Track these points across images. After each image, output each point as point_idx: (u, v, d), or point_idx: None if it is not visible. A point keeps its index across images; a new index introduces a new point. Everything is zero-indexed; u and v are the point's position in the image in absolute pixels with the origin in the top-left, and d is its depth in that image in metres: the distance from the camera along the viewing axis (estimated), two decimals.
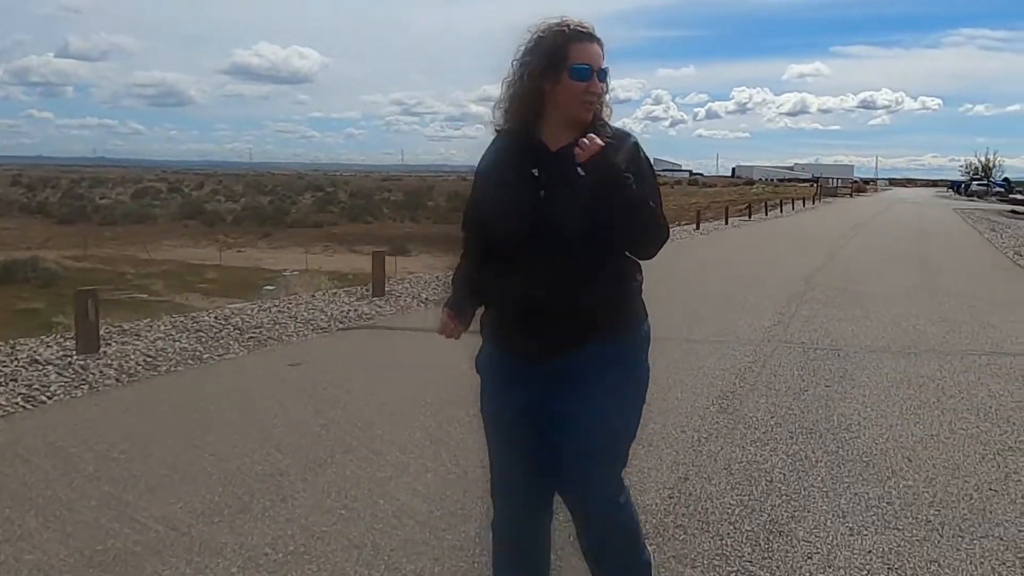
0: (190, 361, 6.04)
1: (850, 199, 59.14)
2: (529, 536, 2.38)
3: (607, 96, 2.19)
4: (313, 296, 8.96)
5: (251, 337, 6.86)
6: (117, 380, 5.50)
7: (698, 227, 22.36)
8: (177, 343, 6.48)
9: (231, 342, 6.67)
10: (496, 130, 2.24)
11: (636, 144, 2.18)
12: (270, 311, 7.92)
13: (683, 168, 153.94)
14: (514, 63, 2.19)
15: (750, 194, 59.61)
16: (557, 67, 2.10)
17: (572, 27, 2.13)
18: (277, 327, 7.27)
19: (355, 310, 8.24)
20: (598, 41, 2.15)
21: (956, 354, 6.54)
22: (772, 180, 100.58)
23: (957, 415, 4.87)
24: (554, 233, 2.09)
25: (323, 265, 37.31)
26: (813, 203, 45.78)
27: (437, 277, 10.92)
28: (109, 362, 5.84)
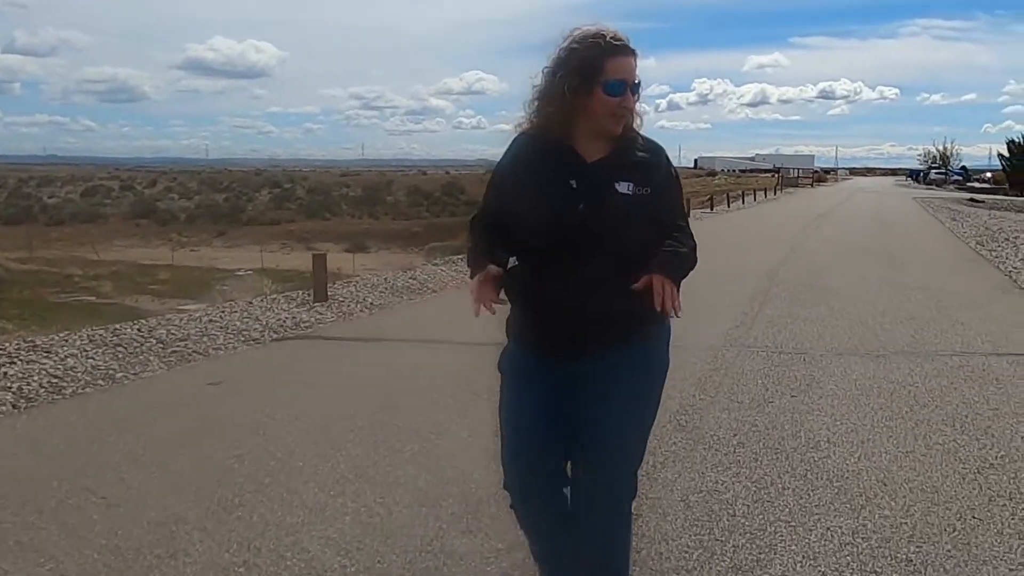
0: (101, 381, 5.49)
1: (811, 189, 59.53)
2: (546, 503, 2.32)
3: (639, 106, 2.20)
4: (250, 303, 8.40)
5: (174, 351, 6.31)
6: (14, 406, 4.94)
7: None
8: (91, 360, 5.91)
9: (151, 357, 6.12)
10: (519, 131, 2.25)
11: (668, 159, 2.26)
12: (200, 320, 7.36)
13: None
14: (545, 70, 2.19)
15: (712, 185, 59.77)
16: (590, 81, 2.11)
17: (608, 40, 2.12)
18: (205, 339, 6.72)
19: (293, 318, 7.71)
20: (633, 53, 2.15)
21: (926, 355, 6.21)
22: (734, 171, 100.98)
23: (932, 427, 4.51)
24: (589, 244, 2.11)
25: (279, 263, 36.62)
26: (775, 193, 45.84)
27: (386, 279, 10.39)
28: (9, 384, 5.26)
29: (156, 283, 29.19)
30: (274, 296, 8.91)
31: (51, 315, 20.18)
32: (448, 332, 7.06)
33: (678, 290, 2.08)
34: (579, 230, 2.11)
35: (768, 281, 10.22)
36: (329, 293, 8.80)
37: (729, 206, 31.37)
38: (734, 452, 4.09)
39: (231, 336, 6.89)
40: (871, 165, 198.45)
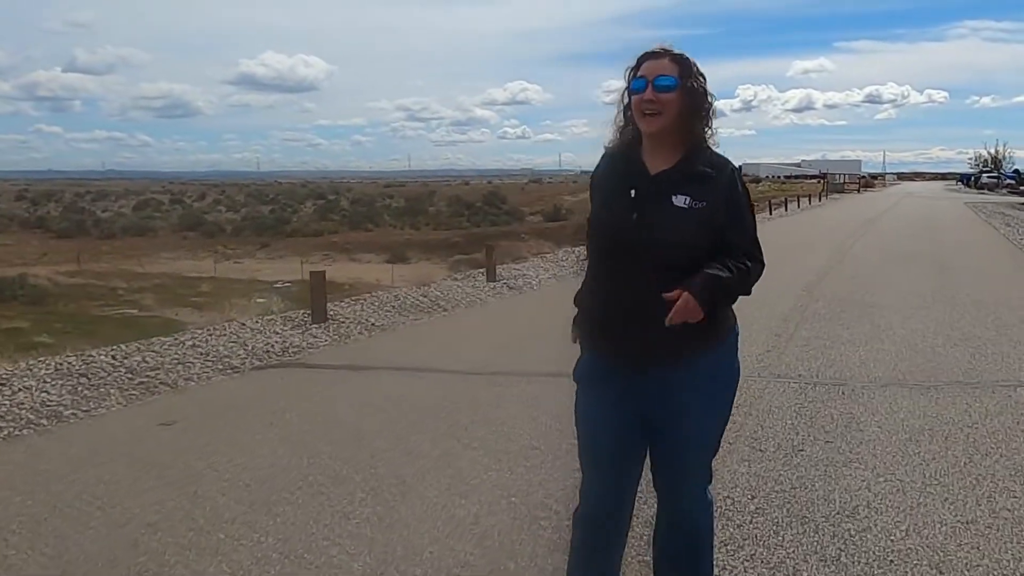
0: (44, 420, 4.93)
1: (858, 195, 57.78)
2: (609, 531, 2.40)
3: (713, 122, 2.28)
4: (243, 324, 7.81)
5: (141, 382, 5.76)
6: None
7: None
8: (44, 394, 5.37)
9: (112, 390, 5.56)
10: (604, 148, 2.37)
11: (732, 173, 2.26)
12: (182, 345, 6.80)
13: None
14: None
15: (756, 192, 58.49)
16: (627, 88, 2.27)
17: (648, 51, 2.27)
18: (180, 367, 6.16)
19: (283, 342, 7.12)
20: (671, 56, 2.24)
21: (985, 386, 5.37)
22: (779, 177, 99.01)
23: (997, 484, 3.71)
24: (643, 254, 2.16)
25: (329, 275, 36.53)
26: (820, 200, 44.50)
27: (396, 295, 9.76)
28: None
29: (197, 295, 29.13)
30: (271, 317, 8.33)
31: (94, 328, 20.08)
32: (446, 358, 6.42)
33: (707, 313, 2.13)
34: (633, 240, 2.17)
35: (807, 296, 9.39)
36: (331, 312, 8.22)
37: (771, 213, 30.26)
38: (750, 522, 3.35)
39: (209, 364, 6.31)
40: (920, 170, 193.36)
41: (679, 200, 2.18)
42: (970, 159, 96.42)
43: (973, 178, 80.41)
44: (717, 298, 2.16)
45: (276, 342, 7.10)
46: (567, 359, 2.46)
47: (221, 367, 6.26)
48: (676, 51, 2.25)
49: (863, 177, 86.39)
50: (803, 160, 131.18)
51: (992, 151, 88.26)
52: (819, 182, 65.99)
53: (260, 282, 32.95)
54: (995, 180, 71.25)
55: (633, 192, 2.22)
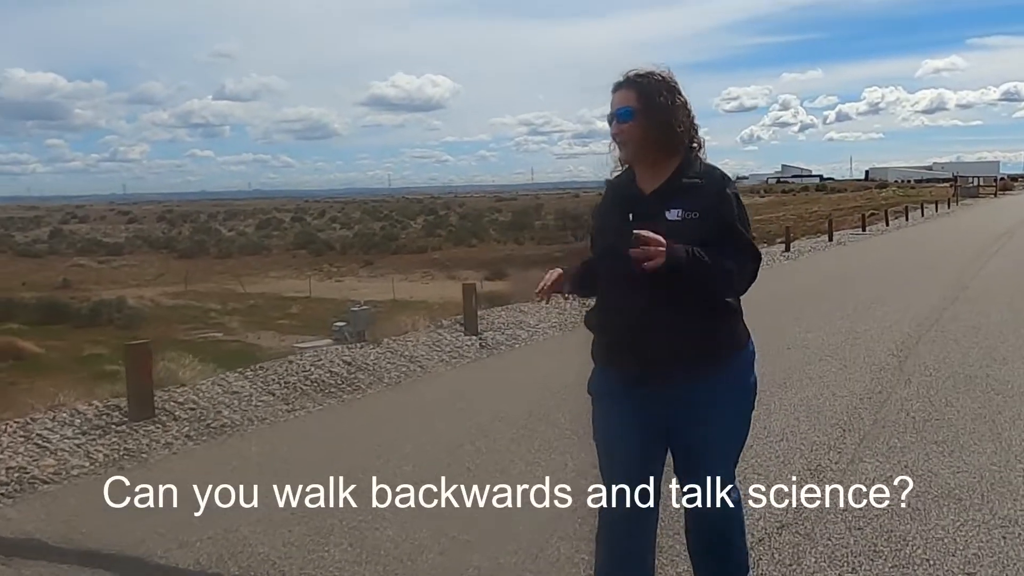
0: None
1: (994, 199, 53.45)
2: (634, 535, 2.45)
3: (697, 133, 2.41)
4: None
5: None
6: None
7: (788, 248, 18.60)
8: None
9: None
10: (606, 182, 2.54)
11: (721, 179, 2.36)
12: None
13: (812, 173, 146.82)
14: None
15: (879, 198, 55.09)
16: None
17: (616, 80, 2.43)
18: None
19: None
20: (629, 82, 2.39)
21: None
22: (908, 181, 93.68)
23: None
24: (645, 271, 2.21)
25: (414, 294, 36.58)
26: (949, 206, 41.15)
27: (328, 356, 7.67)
28: None
29: (285, 317, 29.64)
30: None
31: (172, 354, 20.48)
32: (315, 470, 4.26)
33: (663, 265, 2.19)
34: (632, 258, 2.21)
35: (895, 368, 6.26)
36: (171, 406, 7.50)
37: (888, 224, 27.86)
38: None
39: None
40: None
41: (672, 214, 2.27)
42: None
43: None
44: (686, 268, 2.21)
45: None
46: None
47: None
48: (638, 73, 2.38)
49: (1001, 179, 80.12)
50: (935, 162, 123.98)
51: None
52: (950, 186, 61.65)
53: (352, 302, 33.30)
54: None
55: (631, 215, 2.31)
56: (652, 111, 2.31)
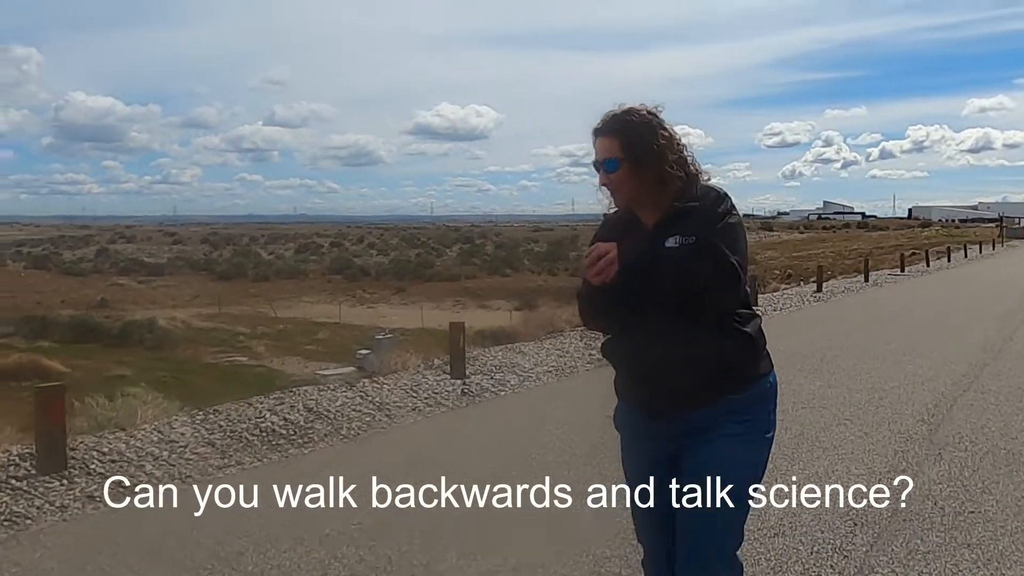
0: None
1: None
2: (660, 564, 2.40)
3: (689, 161, 2.29)
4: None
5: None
6: None
7: (819, 289, 17.73)
8: None
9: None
10: (603, 215, 2.46)
11: (715, 199, 2.26)
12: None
13: (855, 211, 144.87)
14: None
15: (921, 237, 53.98)
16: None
17: (596, 125, 2.32)
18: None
19: None
20: (609, 128, 2.28)
21: None
22: (953, 221, 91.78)
23: None
24: (652, 304, 2.18)
25: (443, 323, 36.54)
26: (993, 247, 40.13)
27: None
28: None
29: (313, 343, 29.65)
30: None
31: (194, 379, 20.62)
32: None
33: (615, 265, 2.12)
34: (640, 291, 2.17)
35: (924, 439, 5.43)
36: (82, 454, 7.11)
37: (928, 264, 27.17)
38: None
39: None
40: None
41: (671, 242, 2.22)
42: None
43: None
44: (639, 273, 2.18)
45: None
46: None
47: None
48: (616, 116, 2.28)
49: None
50: (981, 202, 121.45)
51: None
52: (996, 226, 60.21)
53: (379, 329, 33.27)
54: None
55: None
56: (639, 157, 2.22)
